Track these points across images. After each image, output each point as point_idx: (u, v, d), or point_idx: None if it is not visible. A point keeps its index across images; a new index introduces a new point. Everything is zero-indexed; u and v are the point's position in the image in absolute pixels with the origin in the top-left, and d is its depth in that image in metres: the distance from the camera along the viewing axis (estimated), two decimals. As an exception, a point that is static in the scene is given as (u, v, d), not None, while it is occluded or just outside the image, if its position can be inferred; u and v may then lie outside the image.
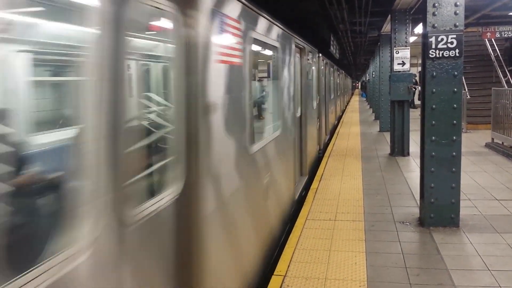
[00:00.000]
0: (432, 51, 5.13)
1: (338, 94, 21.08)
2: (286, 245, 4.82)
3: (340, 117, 21.76)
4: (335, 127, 17.17)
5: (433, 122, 5.21)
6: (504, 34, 14.40)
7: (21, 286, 1.42)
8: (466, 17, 9.46)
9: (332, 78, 16.17)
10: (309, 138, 8.45)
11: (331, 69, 16.06)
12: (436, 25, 5.13)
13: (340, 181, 7.76)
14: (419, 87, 9.21)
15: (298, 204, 6.56)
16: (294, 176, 6.58)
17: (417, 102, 17.72)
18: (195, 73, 2.66)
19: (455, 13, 5.10)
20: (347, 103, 34.88)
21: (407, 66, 10.20)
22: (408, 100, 10.38)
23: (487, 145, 11.04)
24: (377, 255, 4.51)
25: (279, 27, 5.41)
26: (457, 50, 5.10)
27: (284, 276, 4.06)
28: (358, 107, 29.90)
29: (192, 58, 2.65)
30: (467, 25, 13.09)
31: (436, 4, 5.10)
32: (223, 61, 3.18)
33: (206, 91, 2.82)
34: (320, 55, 10.94)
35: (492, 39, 15.06)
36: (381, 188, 7.24)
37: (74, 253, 1.66)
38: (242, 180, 3.67)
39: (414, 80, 11.25)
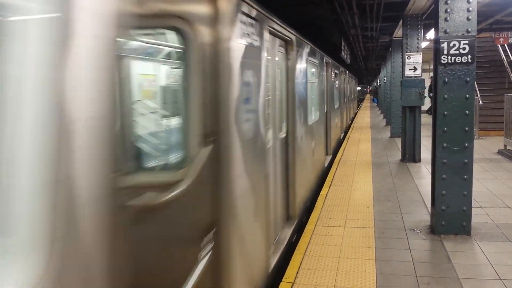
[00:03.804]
0: (444, 57, 5.08)
1: (350, 98, 21.37)
2: (295, 251, 4.79)
3: (352, 119, 21.74)
4: (347, 128, 17.28)
5: (445, 128, 5.15)
6: (517, 40, 14.22)
7: None
8: (478, 22, 9.38)
9: (346, 85, 16.76)
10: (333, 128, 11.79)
11: (344, 75, 16.42)
12: (448, 30, 5.08)
13: (350, 187, 7.71)
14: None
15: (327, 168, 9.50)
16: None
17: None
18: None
19: (468, 19, 5.05)
20: (358, 108, 34.74)
21: (418, 71, 10.12)
22: (420, 106, 10.30)
23: (499, 152, 10.89)
24: (387, 263, 4.46)
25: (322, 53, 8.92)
26: (469, 56, 5.05)
27: (293, 284, 4.03)
28: (369, 113, 29.75)
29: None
30: (479, 31, 12.95)
31: (448, 10, 5.06)
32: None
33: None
34: (339, 67, 13.88)
35: (505, 45, 14.88)
36: (391, 194, 7.18)
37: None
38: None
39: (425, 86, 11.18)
